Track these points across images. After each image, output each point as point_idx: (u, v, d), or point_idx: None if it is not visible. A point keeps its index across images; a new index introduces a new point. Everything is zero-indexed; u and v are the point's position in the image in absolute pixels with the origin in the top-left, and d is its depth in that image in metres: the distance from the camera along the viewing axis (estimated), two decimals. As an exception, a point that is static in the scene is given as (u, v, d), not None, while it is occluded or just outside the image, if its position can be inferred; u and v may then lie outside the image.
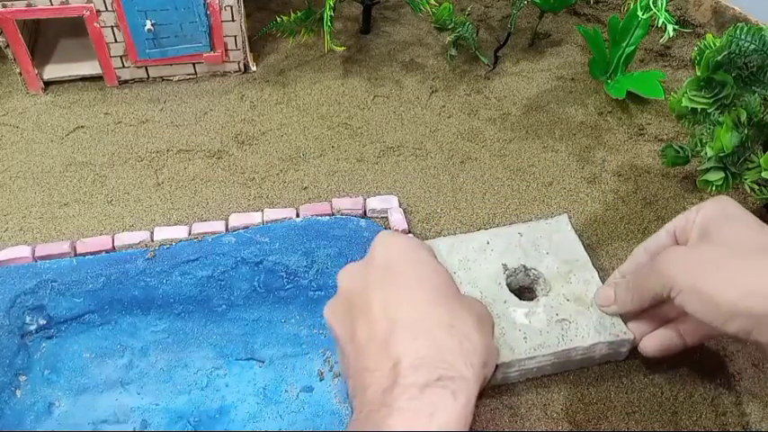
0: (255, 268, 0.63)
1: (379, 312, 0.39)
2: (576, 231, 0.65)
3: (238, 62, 0.88)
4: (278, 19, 0.88)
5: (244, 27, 0.85)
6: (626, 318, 0.56)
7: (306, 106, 0.85)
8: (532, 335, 0.57)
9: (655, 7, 0.69)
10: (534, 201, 0.73)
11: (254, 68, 0.89)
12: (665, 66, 0.93)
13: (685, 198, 0.74)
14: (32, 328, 0.60)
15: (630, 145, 0.81)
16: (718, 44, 0.64)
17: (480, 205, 0.73)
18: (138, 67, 0.85)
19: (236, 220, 0.67)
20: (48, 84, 0.85)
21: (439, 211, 0.72)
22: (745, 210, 0.50)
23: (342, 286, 0.45)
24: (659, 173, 0.77)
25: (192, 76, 0.87)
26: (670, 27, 0.67)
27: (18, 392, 0.57)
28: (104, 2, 0.77)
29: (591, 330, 0.57)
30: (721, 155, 0.65)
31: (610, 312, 0.56)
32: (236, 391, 0.58)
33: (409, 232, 0.68)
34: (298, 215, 0.68)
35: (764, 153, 0.63)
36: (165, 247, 0.63)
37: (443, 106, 0.85)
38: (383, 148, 0.79)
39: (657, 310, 0.53)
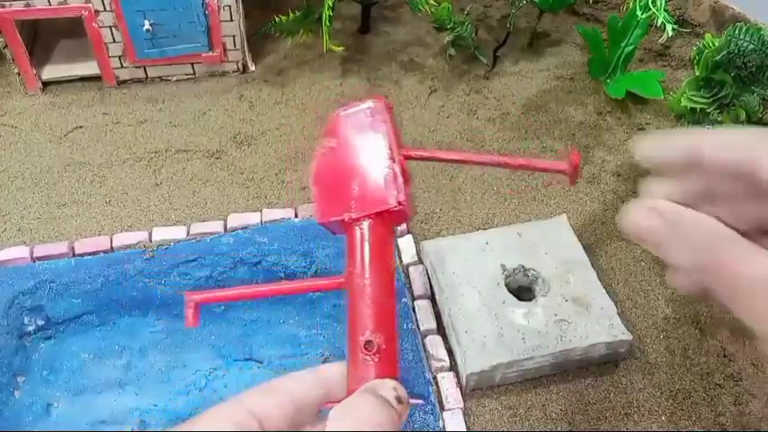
0: (254, 269, 0.63)
1: None
2: (574, 231, 0.65)
3: (237, 62, 0.87)
4: (276, 19, 0.88)
5: (242, 27, 0.84)
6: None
7: (305, 106, 0.84)
8: (531, 335, 0.56)
9: (654, 7, 0.69)
10: (533, 201, 0.73)
11: (252, 68, 0.89)
12: (665, 65, 0.92)
13: (684, 198, 0.74)
14: (31, 328, 0.60)
15: (630, 145, 0.81)
16: (717, 44, 0.64)
17: (479, 205, 0.72)
18: (136, 67, 0.85)
19: (235, 220, 0.67)
20: (46, 84, 0.85)
21: (438, 211, 0.72)
22: None
23: None
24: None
25: (190, 76, 0.87)
26: (669, 27, 0.67)
27: (16, 393, 0.56)
28: (103, 2, 0.77)
29: (589, 331, 0.57)
30: (720, 155, 0.65)
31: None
32: (234, 392, 0.57)
33: (408, 232, 0.68)
34: (296, 215, 0.68)
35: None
36: (163, 247, 0.63)
37: (442, 106, 0.85)
38: (382, 148, 0.78)
39: None
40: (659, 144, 0.32)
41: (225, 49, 0.85)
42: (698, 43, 0.68)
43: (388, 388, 0.29)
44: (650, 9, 0.69)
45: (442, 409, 0.55)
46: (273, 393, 0.30)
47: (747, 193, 0.29)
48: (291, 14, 0.87)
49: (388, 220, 0.33)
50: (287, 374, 0.31)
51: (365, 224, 0.32)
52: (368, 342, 0.30)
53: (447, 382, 0.56)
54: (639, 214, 0.30)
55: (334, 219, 0.33)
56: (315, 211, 0.34)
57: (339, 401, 0.30)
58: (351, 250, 0.32)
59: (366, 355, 0.30)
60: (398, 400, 0.29)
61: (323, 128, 0.36)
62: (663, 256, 0.30)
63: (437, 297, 0.61)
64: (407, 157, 0.34)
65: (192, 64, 0.86)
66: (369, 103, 0.35)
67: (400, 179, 0.33)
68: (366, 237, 0.32)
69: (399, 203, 0.32)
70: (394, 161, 0.33)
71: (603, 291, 0.60)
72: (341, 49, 0.84)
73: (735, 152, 0.29)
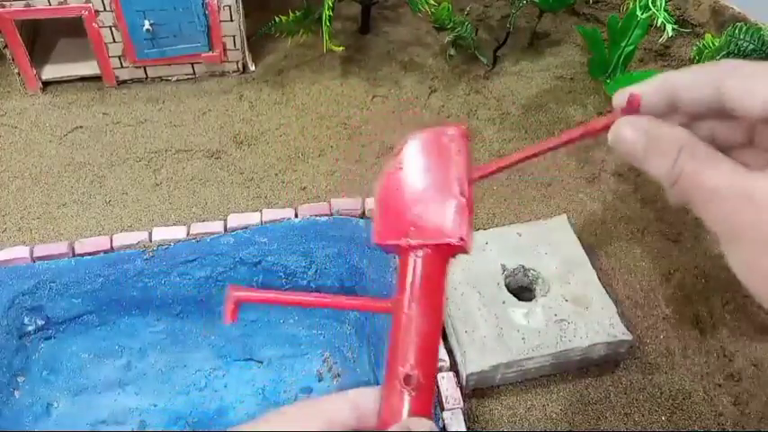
0: (254, 269, 0.63)
1: None
2: (574, 232, 0.65)
3: (237, 62, 0.87)
4: (276, 19, 0.88)
5: (242, 27, 0.84)
6: None
7: (304, 106, 0.84)
8: (531, 335, 0.56)
9: (654, 7, 0.69)
10: (533, 201, 0.73)
11: (252, 68, 0.89)
12: (665, 65, 0.92)
13: (684, 198, 0.74)
14: (31, 328, 0.60)
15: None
16: (717, 44, 0.64)
17: (479, 205, 0.72)
18: (136, 68, 0.85)
19: (235, 220, 0.67)
20: (46, 84, 0.85)
21: (438, 211, 0.72)
22: None
23: None
24: (658, 173, 0.77)
25: (190, 77, 0.87)
26: (669, 27, 0.67)
27: (16, 393, 0.56)
28: (103, 2, 0.77)
29: (589, 331, 0.57)
30: (720, 155, 0.65)
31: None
32: (234, 392, 0.58)
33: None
34: (296, 215, 0.68)
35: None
36: (163, 247, 0.63)
37: (442, 106, 0.85)
38: (382, 148, 0.79)
39: None
40: (638, 90, 0.34)
41: (225, 49, 0.85)
42: (698, 43, 0.68)
43: (425, 429, 0.29)
44: (650, 9, 0.69)
45: (442, 409, 0.55)
46: (310, 417, 0.30)
47: (722, 120, 0.32)
48: (291, 14, 0.87)
49: (446, 253, 0.32)
50: (321, 397, 0.31)
51: (422, 253, 0.31)
52: (408, 376, 0.29)
53: (447, 382, 0.56)
54: (622, 130, 0.33)
55: (391, 242, 0.32)
56: (373, 229, 0.33)
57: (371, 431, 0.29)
58: (402, 277, 0.32)
59: (404, 388, 0.29)
60: None
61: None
62: (644, 169, 0.33)
63: (437, 297, 0.61)
64: (474, 180, 0.33)
65: (192, 64, 0.86)
66: (448, 130, 0.34)
67: (467, 215, 0.31)
68: (420, 267, 0.31)
69: (461, 239, 0.31)
70: (464, 195, 0.32)
71: (603, 291, 0.60)
72: (341, 49, 0.84)
73: (705, 89, 0.32)
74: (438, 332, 0.31)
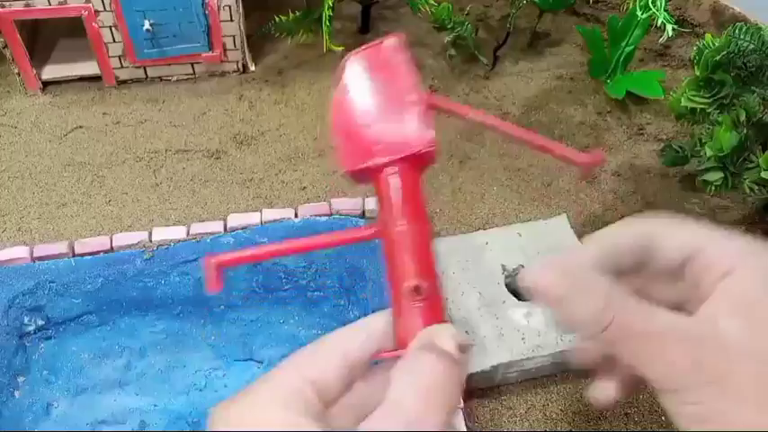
0: (254, 269, 0.63)
1: None
2: (575, 232, 0.65)
3: (237, 62, 0.87)
4: (276, 19, 0.88)
5: (242, 27, 0.84)
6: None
7: (304, 106, 0.85)
8: (531, 335, 0.56)
9: (654, 7, 0.69)
10: (533, 201, 0.73)
11: (252, 68, 0.89)
12: (665, 65, 0.92)
13: (685, 198, 0.74)
14: (31, 328, 0.60)
15: (630, 145, 0.81)
16: (717, 44, 0.64)
17: (479, 205, 0.72)
18: (136, 67, 0.85)
19: (235, 220, 0.67)
20: (46, 84, 0.85)
21: (438, 211, 0.72)
22: None
23: None
24: (658, 173, 0.77)
25: (190, 76, 0.87)
26: (669, 27, 0.67)
27: (16, 393, 0.56)
28: (103, 2, 0.77)
29: (590, 331, 0.57)
30: (720, 155, 0.65)
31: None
32: (234, 392, 0.58)
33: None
34: (296, 215, 0.68)
35: (763, 153, 0.63)
36: (163, 247, 0.63)
37: (442, 106, 0.85)
38: (382, 148, 0.78)
39: None
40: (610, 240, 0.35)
41: (225, 49, 0.85)
42: (698, 43, 0.68)
43: (448, 337, 0.27)
44: (650, 9, 0.69)
45: (442, 409, 0.55)
46: (327, 355, 0.29)
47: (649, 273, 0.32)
48: (291, 14, 0.87)
49: (418, 163, 0.31)
50: (338, 331, 0.30)
51: (394, 169, 0.31)
52: (416, 287, 0.28)
53: (447, 383, 0.56)
54: (539, 272, 0.31)
55: (360, 166, 0.31)
56: (339, 161, 0.32)
57: (391, 351, 0.29)
58: (382, 198, 0.31)
59: (414, 301, 0.28)
60: (460, 349, 0.27)
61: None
62: (563, 313, 0.31)
63: (437, 297, 0.61)
64: (432, 106, 0.32)
65: (192, 64, 0.86)
66: (384, 41, 0.32)
67: (427, 120, 0.31)
68: (397, 182, 0.31)
69: (429, 144, 0.31)
70: (420, 101, 0.31)
71: (603, 291, 0.60)
72: (341, 48, 0.84)
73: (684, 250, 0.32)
74: (431, 241, 0.31)
